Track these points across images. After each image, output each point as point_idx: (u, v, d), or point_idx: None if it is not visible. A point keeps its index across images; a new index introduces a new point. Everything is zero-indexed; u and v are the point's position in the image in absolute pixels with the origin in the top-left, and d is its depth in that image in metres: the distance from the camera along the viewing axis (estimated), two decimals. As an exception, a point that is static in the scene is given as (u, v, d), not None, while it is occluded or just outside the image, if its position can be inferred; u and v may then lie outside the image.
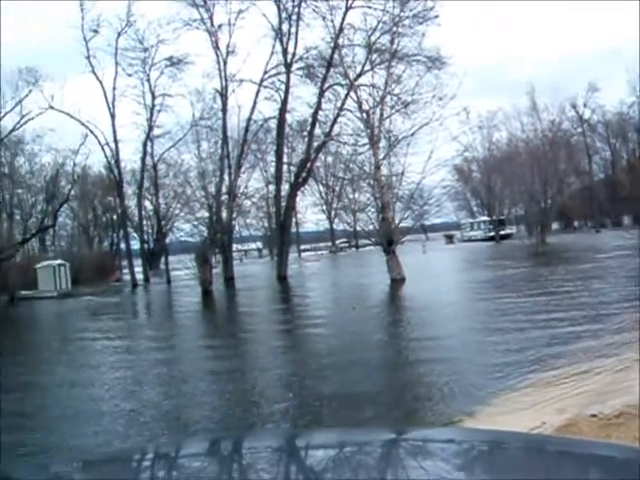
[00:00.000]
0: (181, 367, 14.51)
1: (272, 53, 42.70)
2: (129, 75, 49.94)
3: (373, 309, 23.26)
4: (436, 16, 34.60)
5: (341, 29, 36.90)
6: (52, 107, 49.04)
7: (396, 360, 13.80)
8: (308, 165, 40.42)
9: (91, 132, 50.70)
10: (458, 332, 16.05)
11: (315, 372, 12.60)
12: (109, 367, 15.09)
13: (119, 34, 48.80)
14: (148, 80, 49.89)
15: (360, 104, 34.39)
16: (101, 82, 49.73)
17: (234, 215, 42.44)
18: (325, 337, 17.44)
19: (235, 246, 52.75)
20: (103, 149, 50.98)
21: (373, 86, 34.81)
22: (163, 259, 55.41)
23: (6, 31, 79.79)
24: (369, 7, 35.83)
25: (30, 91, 49.01)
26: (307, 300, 28.41)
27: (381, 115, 33.48)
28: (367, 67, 35.65)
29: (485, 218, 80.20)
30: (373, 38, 35.48)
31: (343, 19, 36.97)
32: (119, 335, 21.47)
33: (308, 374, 12.40)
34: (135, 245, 55.15)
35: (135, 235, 55.93)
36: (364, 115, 33.99)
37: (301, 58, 41.57)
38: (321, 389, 11.21)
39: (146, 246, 56.97)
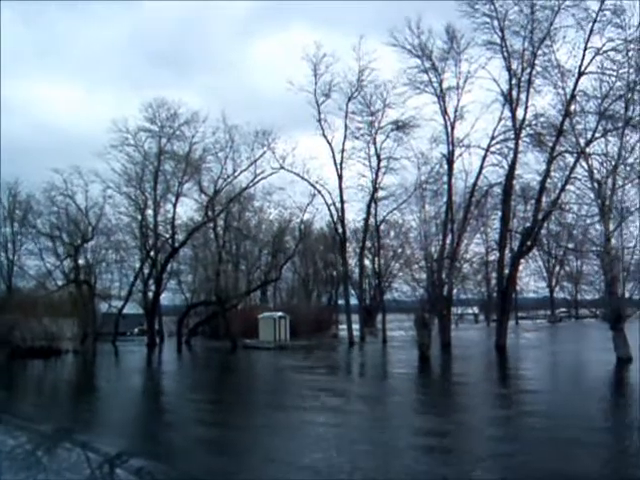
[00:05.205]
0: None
1: (500, 119, 42.49)
2: (356, 138, 51.96)
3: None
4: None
5: (573, 96, 35.91)
6: (283, 167, 52.01)
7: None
8: (533, 233, 39.44)
9: (318, 192, 52.96)
10: None
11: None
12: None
13: (349, 99, 51.12)
14: (374, 143, 51.57)
15: (591, 173, 33.06)
16: (330, 144, 52.07)
17: (454, 279, 42.15)
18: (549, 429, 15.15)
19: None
20: (329, 208, 53.00)
21: (605, 155, 33.41)
22: (378, 317, 56.13)
23: (244, 95, 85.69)
24: (603, 73, 34.51)
25: (264, 152, 52.27)
26: (528, 380, 27.11)
27: (613, 185, 32.06)
28: (598, 135, 34.30)
29: None
30: (605, 105, 34.14)
31: (575, 86, 35.97)
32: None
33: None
34: (352, 301, 56.27)
35: (353, 292, 57.11)
36: (595, 185, 32.65)
37: (530, 125, 40.95)
38: None
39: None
